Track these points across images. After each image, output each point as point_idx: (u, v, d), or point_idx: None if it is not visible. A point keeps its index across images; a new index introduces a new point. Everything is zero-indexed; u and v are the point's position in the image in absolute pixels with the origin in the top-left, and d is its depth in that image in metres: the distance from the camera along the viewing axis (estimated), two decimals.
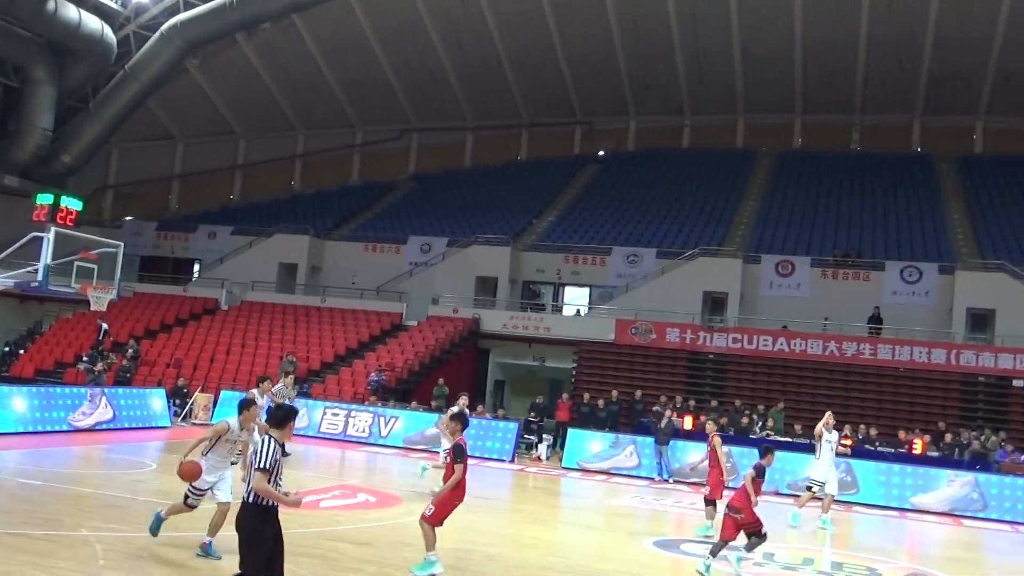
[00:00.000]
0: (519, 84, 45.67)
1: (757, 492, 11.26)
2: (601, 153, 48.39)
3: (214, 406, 26.24)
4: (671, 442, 22.54)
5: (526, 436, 25.85)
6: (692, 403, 27.58)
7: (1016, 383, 28.33)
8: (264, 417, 10.30)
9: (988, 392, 28.81)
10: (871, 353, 29.71)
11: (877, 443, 24.15)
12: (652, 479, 22.13)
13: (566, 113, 47.82)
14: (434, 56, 43.80)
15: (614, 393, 27.59)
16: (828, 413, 17.99)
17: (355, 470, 20.70)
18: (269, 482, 7.10)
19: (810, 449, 21.07)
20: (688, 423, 24.78)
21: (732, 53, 42.08)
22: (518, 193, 43.92)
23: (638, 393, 27.97)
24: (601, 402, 26.70)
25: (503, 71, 44.59)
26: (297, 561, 9.37)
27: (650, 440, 22.82)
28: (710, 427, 15.95)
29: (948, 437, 24.62)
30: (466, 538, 12.17)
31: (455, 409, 15.23)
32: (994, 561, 15.97)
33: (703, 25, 41.02)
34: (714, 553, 11.07)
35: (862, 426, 25.17)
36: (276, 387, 18.78)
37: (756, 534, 11.15)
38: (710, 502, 14.53)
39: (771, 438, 24.18)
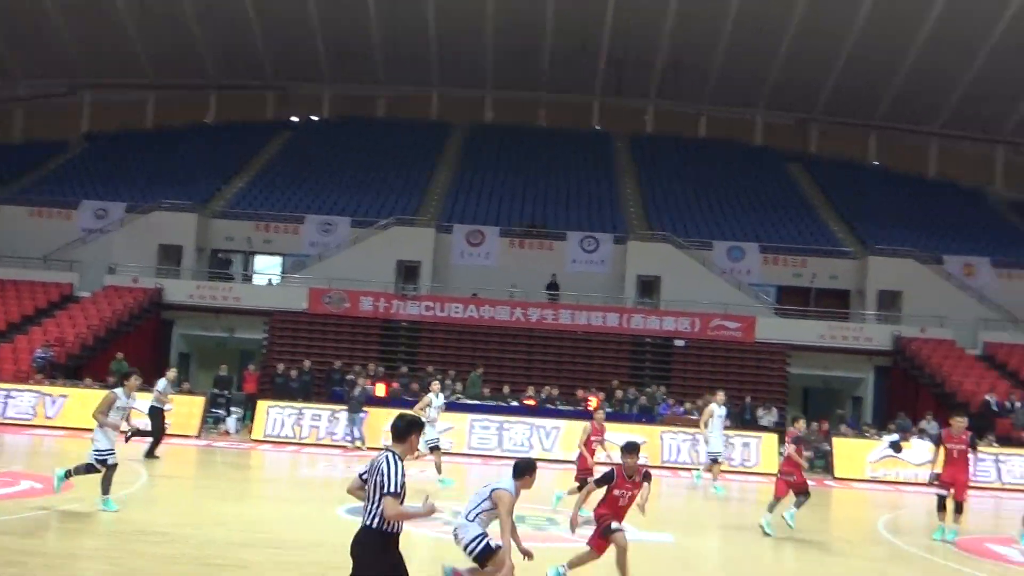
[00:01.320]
0: (207, 42, 43.37)
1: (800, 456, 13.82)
2: (295, 119, 47.25)
3: None
4: (364, 410, 22.61)
5: (213, 410, 24.87)
6: (382, 370, 27.78)
7: (678, 343, 31.24)
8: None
9: (654, 352, 31.54)
10: (553, 318, 31.47)
11: (557, 402, 25.66)
12: (345, 448, 22.11)
13: (259, 76, 46.12)
14: (108, 1, 40.41)
15: (307, 363, 27.18)
16: (720, 393, 19.68)
17: (17, 456, 18.86)
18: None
19: (508, 411, 22.10)
20: (381, 390, 24.97)
21: (426, 25, 42.54)
22: (206, 158, 41.77)
23: (337, 363, 27.78)
24: (294, 372, 26.22)
25: (189, 26, 42.08)
26: None
27: (343, 409, 22.76)
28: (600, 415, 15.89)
29: (619, 394, 26.70)
30: (147, 519, 11.49)
31: None
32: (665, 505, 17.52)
33: None
34: (770, 509, 13.48)
35: (545, 387, 26.63)
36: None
37: (804, 493, 13.58)
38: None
39: (462, 402, 24.97)
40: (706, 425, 19.04)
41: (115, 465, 12.08)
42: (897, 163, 45.63)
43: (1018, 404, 26.68)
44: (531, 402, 25.25)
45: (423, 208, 38.44)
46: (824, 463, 23.22)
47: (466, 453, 22.28)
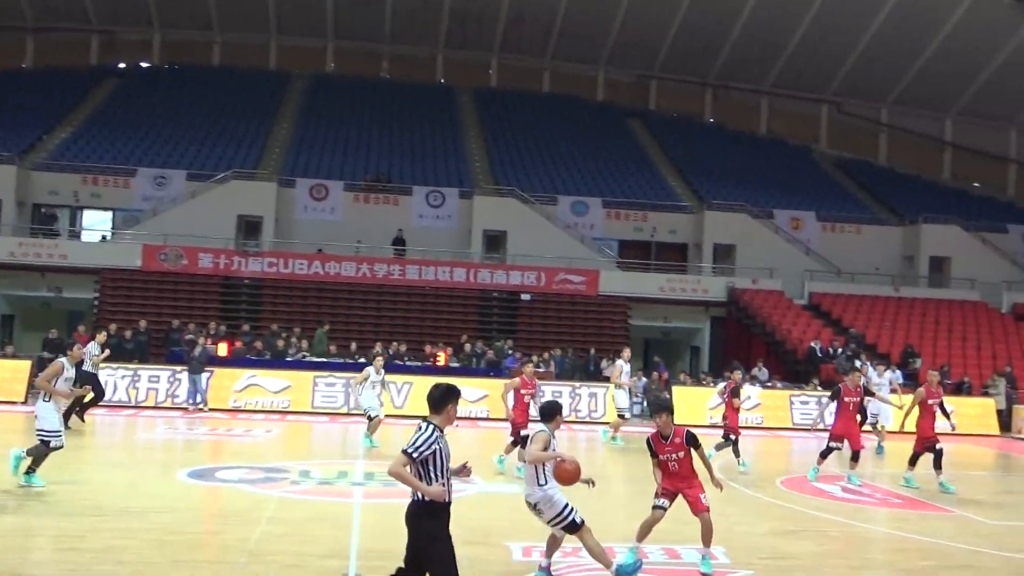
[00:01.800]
0: None
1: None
2: (122, 66, 44.68)
3: None
4: (208, 369, 21.89)
5: None
6: (224, 329, 26.93)
7: (524, 297, 31.65)
8: None
9: (501, 306, 31.86)
10: (400, 274, 31.26)
11: (406, 358, 25.56)
12: (186, 409, 21.38)
13: (80, 19, 43.33)
14: None
15: (143, 323, 26.04)
16: (627, 350, 19.97)
17: None
18: (422, 477, 6.15)
19: (356, 369, 21.88)
20: (223, 350, 24.19)
21: None
22: (23, 106, 38.96)
23: (175, 322, 26.68)
24: (129, 333, 25.03)
25: None
26: None
27: (184, 370, 21.96)
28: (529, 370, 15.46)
29: (468, 348, 26.85)
30: None
31: None
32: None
33: None
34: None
35: (394, 343, 26.48)
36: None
37: (729, 437, 15.40)
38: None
39: (308, 359, 24.53)
40: (618, 386, 19.49)
41: (60, 447, 11.54)
42: (731, 121, 47.40)
43: (840, 350, 28.43)
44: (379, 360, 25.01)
45: (264, 162, 37.25)
46: None
47: (311, 411, 21.94)
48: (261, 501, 11.18)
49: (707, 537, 8.54)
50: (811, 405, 23.63)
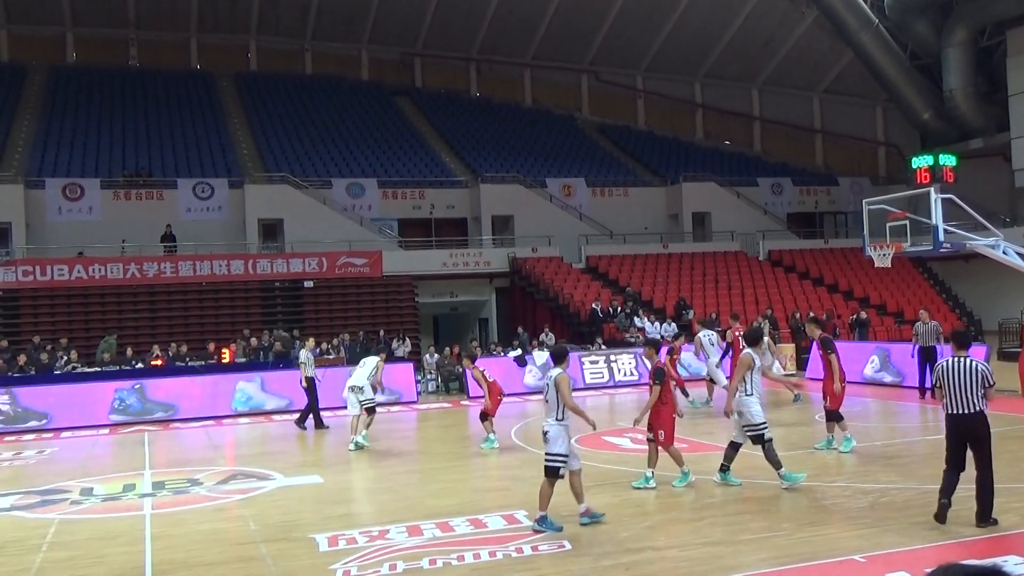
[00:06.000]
0: None
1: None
2: None
3: None
4: None
5: None
6: None
7: (307, 284, 30.99)
8: None
9: (284, 295, 31.05)
10: (172, 271, 29.79)
11: (188, 358, 24.45)
12: None
13: None
14: None
15: None
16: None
17: None
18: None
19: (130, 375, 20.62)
20: None
21: None
22: None
23: None
24: None
25: None
26: None
27: None
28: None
29: (254, 342, 26.01)
30: None
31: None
32: (314, 447, 17.38)
33: None
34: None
35: (172, 344, 25.25)
36: None
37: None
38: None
39: (79, 371, 22.93)
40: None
41: None
42: (496, 94, 48.18)
43: (619, 308, 29.74)
44: (159, 362, 23.84)
45: (5, 163, 34.35)
46: (458, 385, 24.38)
47: (107, 424, 20.46)
48: (39, 527, 10.37)
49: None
50: (600, 364, 24.54)
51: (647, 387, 11.37)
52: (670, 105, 48.49)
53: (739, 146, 47.80)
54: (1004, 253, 18.76)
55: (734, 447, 10.82)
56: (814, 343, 15.36)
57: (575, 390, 10.87)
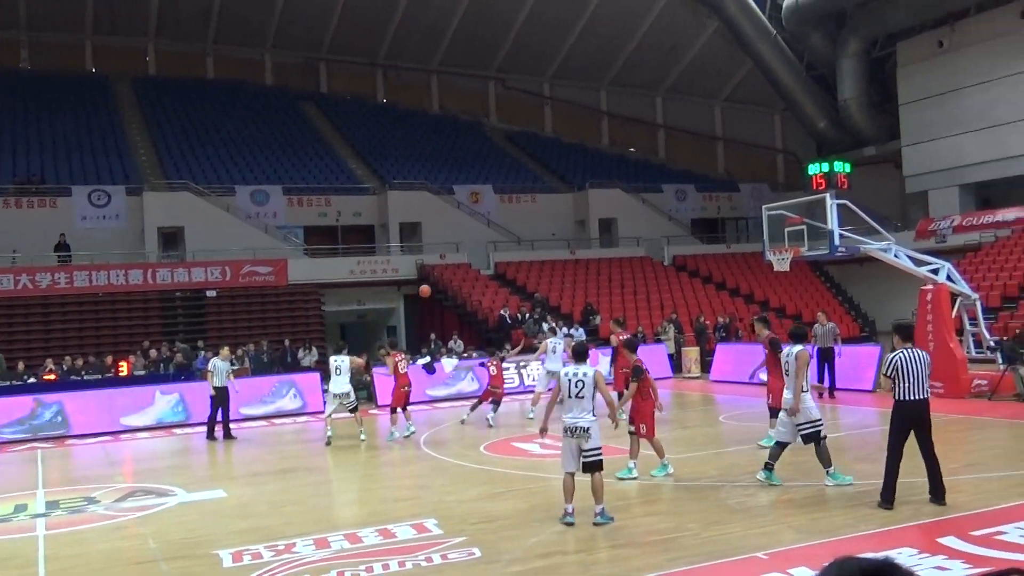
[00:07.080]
0: None
1: None
2: None
3: None
4: None
5: None
6: None
7: (209, 294, 30.28)
8: None
9: (186, 305, 30.27)
10: (67, 282, 28.76)
11: (84, 372, 23.61)
12: None
13: None
14: None
15: None
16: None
17: None
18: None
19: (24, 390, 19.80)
20: None
21: None
22: None
23: None
24: None
25: None
26: None
27: None
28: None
29: (153, 353, 25.28)
30: None
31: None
32: (218, 460, 16.96)
33: None
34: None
35: (67, 358, 24.36)
36: None
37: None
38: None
39: None
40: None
41: None
42: (403, 100, 47.92)
43: (527, 314, 29.87)
44: (51, 377, 22.95)
45: None
46: (367, 394, 24.11)
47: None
48: None
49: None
50: (511, 371, 24.53)
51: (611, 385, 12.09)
52: (576, 112, 49.00)
53: (644, 153, 48.57)
54: (896, 256, 19.48)
55: (780, 446, 10.80)
56: (761, 345, 15.46)
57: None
